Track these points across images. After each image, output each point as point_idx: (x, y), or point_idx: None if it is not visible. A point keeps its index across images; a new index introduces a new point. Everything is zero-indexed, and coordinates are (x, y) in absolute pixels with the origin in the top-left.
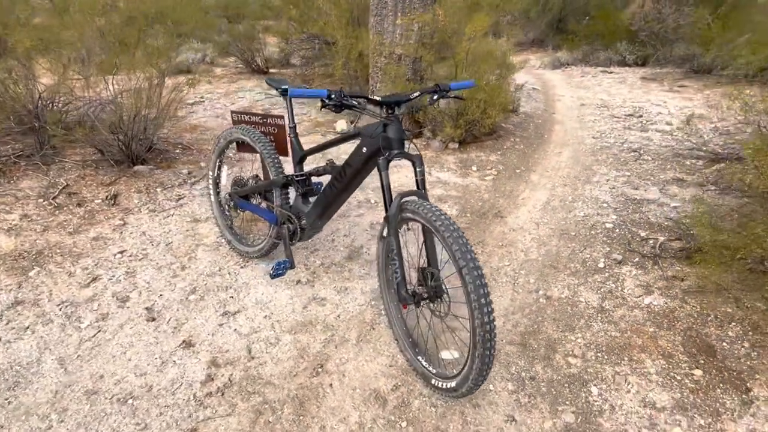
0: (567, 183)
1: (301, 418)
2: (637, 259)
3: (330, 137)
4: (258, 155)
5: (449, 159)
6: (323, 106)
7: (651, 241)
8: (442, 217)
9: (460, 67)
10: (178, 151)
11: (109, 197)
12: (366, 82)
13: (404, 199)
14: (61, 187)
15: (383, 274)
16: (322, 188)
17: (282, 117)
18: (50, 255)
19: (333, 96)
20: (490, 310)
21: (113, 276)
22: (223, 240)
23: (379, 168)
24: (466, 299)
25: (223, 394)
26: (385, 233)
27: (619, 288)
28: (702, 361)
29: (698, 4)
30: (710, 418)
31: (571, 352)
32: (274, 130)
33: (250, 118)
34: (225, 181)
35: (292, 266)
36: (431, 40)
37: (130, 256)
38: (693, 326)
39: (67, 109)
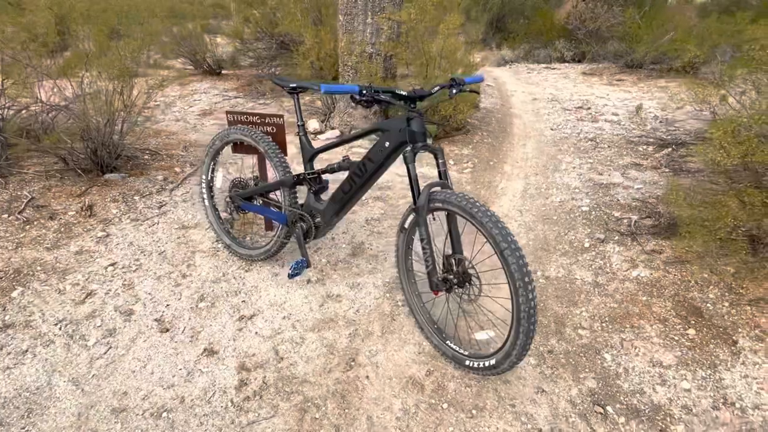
0: (538, 172)
1: (346, 411)
2: (617, 237)
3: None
4: (254, 156)
5: (426, 154)
6: (356, 102)
7: (626, 221)
8: (477, 204)
9: (431, 65)
10: (147, 157)
11: (83, 208)
12: (334, 81)
13: (432, 190)
14: (26, 201)
15: (403, 264)
16: (340, 185)
17: (281, 116)
18: (31, 273)
19: (365, 92)
20: (533, 287)
21: (110, 290)
22: (220, 245)
23: (406, 161)
24: (510, 279)
25: (261, 397)
26: (406, 224)
27: (608, 264)
28: (693, 322)
29: (627, 4)
30: (709, 370)
31: (579, 325)
32: (272, 129)
33: (247, 117)
34: (220, 184)
35: (308, 265)
36: (406, 38)
37: (123, 268)
38: (679, 292)
39: (21, 115)
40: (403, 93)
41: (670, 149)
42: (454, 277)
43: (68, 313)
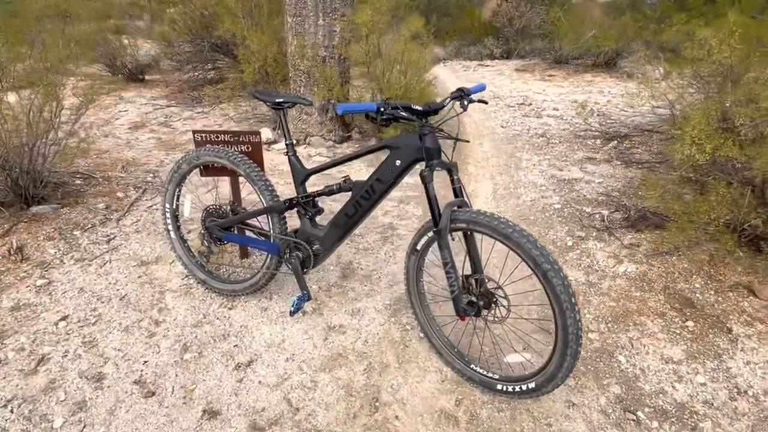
0: (502, 171)
1: None
2: (594, 233)
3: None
4: (225, 180)
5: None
6: (371, 120)
7: (598, 216)
8: (510, 223)
9: (389, 66)
10: (79, 182)
11: (12, 251)
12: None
13: (454, 210)
14: None
15: (414, 287)
16: (343, 209)
17: (257, 133)
18: None
19: (383, 109)
20: (578, 308)
21: (67, 351)
22: (192, 281)
23: (425, 180)
24: (555, 301)
25: None
26: (419, 246)
27: (594, 262)
28: (688, 313)
29: (549, 3)
30: (716, 360)
31: (587, 329)
32: (247, 148)
33: (217, 137)
34: (188, 213)
35: (309, 298)
36: (366, 41)
37: (79, 321)
38: (667, 284)
39: None
40: (419, 108)
41: (615, 142)
42: (479, 299)
43: (18, 389)
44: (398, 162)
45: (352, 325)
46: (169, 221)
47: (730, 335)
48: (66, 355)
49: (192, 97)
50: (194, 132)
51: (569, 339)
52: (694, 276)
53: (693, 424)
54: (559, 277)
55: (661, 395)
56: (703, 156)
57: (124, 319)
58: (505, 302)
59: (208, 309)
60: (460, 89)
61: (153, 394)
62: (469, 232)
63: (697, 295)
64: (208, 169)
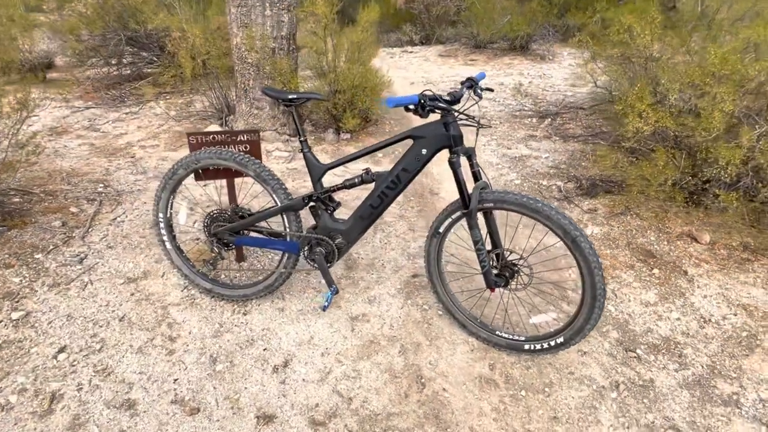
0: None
1: (448, 428)
2: (556, 203)
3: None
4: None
5: (351, 150)
6: (414, 112)
7: (554, 187)
8: (537, 199)
9: (339, 56)
10: (17, 199)
11: None
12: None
13: (481, 191)
14: None
15: (435, 268)
16: (367, 200)
17: (256, 131)
18: None
19: (423, 101)
20: (602, 269)
21: (81, 384)
22: (194, 292)
23: (454, 166)
24: (584, 263)
25: None
26: (442, 228)
27: None
28: (652, 263)
29: None
30: (681, 298)
31: (576, 287)
32: (246, 147)
33: (213, 138)
34: (184, 221)
35: (336, 291)
36: (324, 32)
37: (81, 350)
38: (629, 241)
39: None
40: (447, 98)
41: (549, 120)
42: (504, 271)
43: None
44: (424, 151)
45: (374, 313)
46: (163, 231)
47: (687, 276)
48: (81, 388)
49: (112, 97)
50: (188, 134)
51: (597, 294)
52: (648, 231)
53: (679, 352)
54: (586, 242)
55: (649, 333)
56: (648, 128)
57: (134, 341)
58: (527, 270)
59: (221, 318)
60: (470, 78)
61: (197, 410)
62: (489, 212)
63: (655, 246)
64: (204, 173)
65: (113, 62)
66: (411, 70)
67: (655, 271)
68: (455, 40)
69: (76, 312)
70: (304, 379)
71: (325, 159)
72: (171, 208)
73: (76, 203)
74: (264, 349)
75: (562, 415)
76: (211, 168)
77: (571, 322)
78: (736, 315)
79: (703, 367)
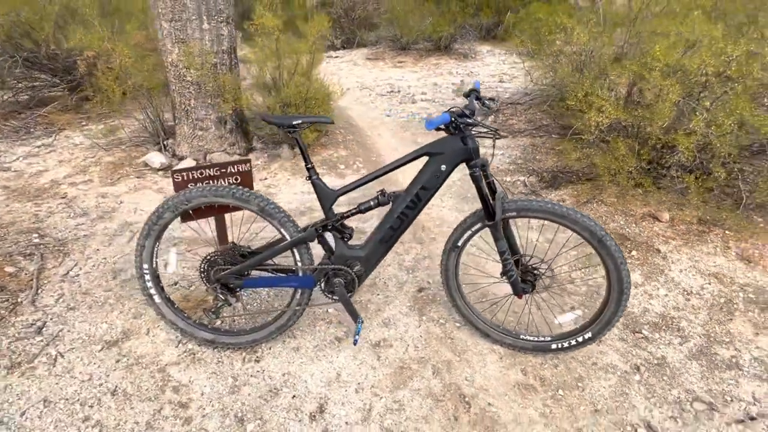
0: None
1: None
2: (525, 197)
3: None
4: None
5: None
6: (444, 130)
7: (519, 182)
8: (561, 205)
9: (292, 69)
10: None
11: None
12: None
13: (505, 201)
14: None
15: (454, 281)
16: (385, 223)
17: (247, 161)
18: None
19: (454, 119)
20: (626, 263)
21: None
22: (191, 345)
23: (478, 180)
24: (610, 260)
25: None
26: (460, 243)
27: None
28: (628, 245)
29: None
30: (662, 275)
31: (571, 278)
32: (236, 179)
33: (201, 173)
34: (174, 268)
35: (362, 321)
36: (276, 45)
37: None
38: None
39: None
40: (466, 112)
41: (492, 117)
42: (527, 275)
43: None
44: (443, 167)
45: (394, 336)
46: (150, 284)
47: (660, 254)
48: None
49: (13, 128)
50: (173, 172)
51: (624, 288)
52: (616, 215)
53: (676, 326)
54: (612, 241)
55: (647, 313)
56: (606, 120)
57: (138, 416)
58: (549, 273)
59: (233, 370)
60: (472, 89)
61: None
62: (506, 220)
63: (626, 229)
64: (194, 213)
65: (7, 88)
66: (342, 76)
67: (633, 252)
68: (378, 43)
69: (53, 394)
70: (347, 422)
71: (287, 176)
72: (157, 257)
73: (9, 261)
74: (293, 397)
75: (602, 406)
76: (203, 207)
77: (597, 317)
78: (710, 284)
79: (700, 336)
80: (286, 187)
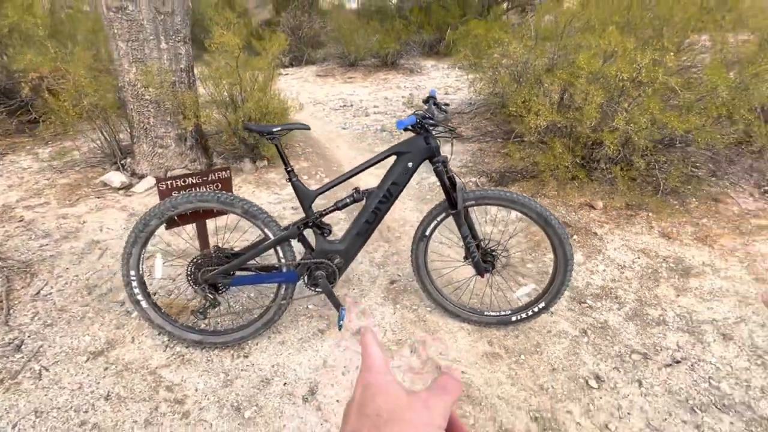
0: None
1: (482, 402)
2: None
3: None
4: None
5: (274, 177)
6: (412, 129)
7: (471, 183)
8: (512, 192)
9: (251, 85)
10: None
11: None
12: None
13: (464, 192)
14: None
15: (424, 269)
16: (361, 217)
17: (226, 168)
18: None
19: (420, 121)
20: (569, 238)
21: None
22: (179, 348)
23: (440, 174)
24: (555, 236)
25: None
26: (428, 232)
27: (493, 215)
28: (570, 231)
29: (322, 13)
30: (600, 254)
31: (524, 260)
32: (217, 186)
33: (184, 181)
34: (160, 274)
35: (344, 309)
36: (236, 63)
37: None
38: None
39: None
40: (429, 115)
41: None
42: (487, 257)
43: None
44: (410, 164)
45: (372, 324)
46: (137, 290)
47: (597, 236)
48: None
49: None
50: (158, 181)
51: (569, 259)
52: (557, 206)
53: (614, 295)
54: (556, 220)
55: (590, 286)
56: (543, 122)
57: (135, 415)
58: (505, 254)
59: (223, 366)
60: (431, 97)
61: None
62: (467, 209)
63: (567, 217)
64: (179, 219)
65: None
66: (295, 92)
67: (575, 237)
68: (327, 60)
69: (43, 405)
70: (337, 400)
71: (250, 189)
72: (143, 264)
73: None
74: (284, 384)
75: (558, 365)
76: (188, 213)
77: (548, 288)
78: (639, 258)
79: (633, 302)
80: (252, 199)
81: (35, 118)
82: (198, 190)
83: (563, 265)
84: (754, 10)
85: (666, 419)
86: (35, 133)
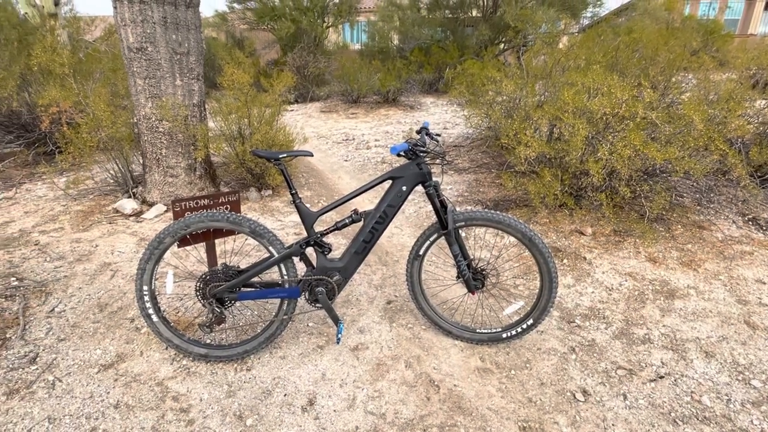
0: (375, 195)
1: (473, 414)
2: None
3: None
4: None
5: (278, 205)
6: (405, 155)
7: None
8: (496, 212)
9: (259, 119)
10: None
11: None
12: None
13: (454, 213)
14: None
15: (418, 287)
16: (359, 237)
17: (235, 193)
18: None
19: (411, 147)
20: (553, 257)
21: None
22: (185, 361)
23: (432, 197)
24: (540, 255)
25: None
26: (421, 251)
27: (488, 241)
28: (561, 255)
29: (327, 54)
30: (589, 277)
31: (516, 284)
32: (227, 207)
33: (196, 203)
34: (171, 289)
35: (342, 323)
36: (245, 99)
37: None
38: None
39: None
40: (421, 144)
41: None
42: (477, 275)
43: None
44: (404, 188)
45: (369, 341)
46: (149, 305)
47: (586, 261)
48: None
49: None
50: (173, 202)
51: (553, 277)
52: (549, 233)
53: (602, 315)
54: (540, 240)
55: (579, 306)
56: (533, 153)
57: (143, 422)
58: (495, 273)
59: (226, 378)
60: (422, 128)
61: None
62: (457, 230)
63: (557, 243)
64: (191, 238)
65: None
66: (299, 127)
67: (565, 261)
68: (330, 97)
69: (56, 413)
70: (335, 410)
71: (256, 215)
72: (155, 280)
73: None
74: (285, 395)
75: (546, 380)
76: (199, 232)
77: (535, 305)
78: (626, 281)
79: (620, 321)
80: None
81: (52, 149)
82: (209, 211)
83: (548, 282)
84: (736, 52)
85: (649, 430)
86: (52, 162)
